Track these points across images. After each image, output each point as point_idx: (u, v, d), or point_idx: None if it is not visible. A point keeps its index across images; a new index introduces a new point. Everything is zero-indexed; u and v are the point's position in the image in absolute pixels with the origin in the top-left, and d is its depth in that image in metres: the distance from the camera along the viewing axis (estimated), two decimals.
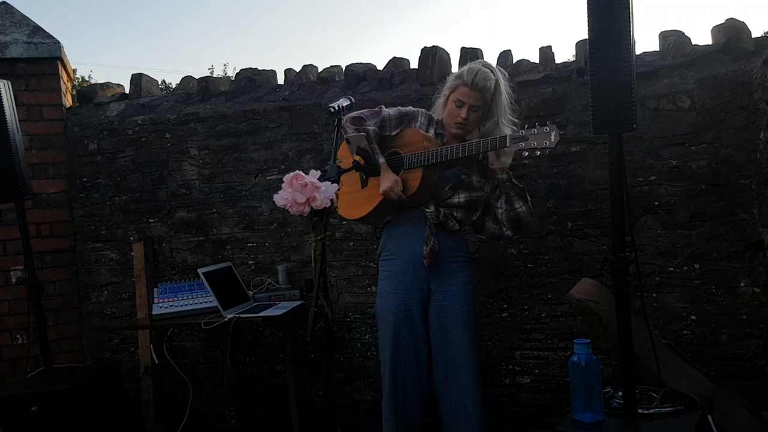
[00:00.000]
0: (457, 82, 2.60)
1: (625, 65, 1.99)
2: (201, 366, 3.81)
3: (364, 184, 2.69)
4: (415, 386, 2.65)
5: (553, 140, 2.30)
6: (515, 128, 2.55)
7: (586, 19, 2.03)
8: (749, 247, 3.05)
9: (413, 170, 2.58)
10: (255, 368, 3.77)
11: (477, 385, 2.62)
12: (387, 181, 2.58)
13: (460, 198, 2.66)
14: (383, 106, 2.77)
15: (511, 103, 2.69)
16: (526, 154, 2.40)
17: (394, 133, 2.71)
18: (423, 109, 2.80)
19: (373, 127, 2.65)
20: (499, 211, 2.69)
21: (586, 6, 2.03)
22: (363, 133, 2.55)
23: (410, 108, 2.80)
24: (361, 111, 2.71)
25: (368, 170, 2.52)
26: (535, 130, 2.33)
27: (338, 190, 2.42)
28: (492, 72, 2.60)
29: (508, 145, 2.39)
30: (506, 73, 2.73)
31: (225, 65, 29.42)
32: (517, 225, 2.71)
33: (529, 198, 2.72)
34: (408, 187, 2.58)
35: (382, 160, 2.62)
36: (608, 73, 2.01)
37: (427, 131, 2.69)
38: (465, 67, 2.62)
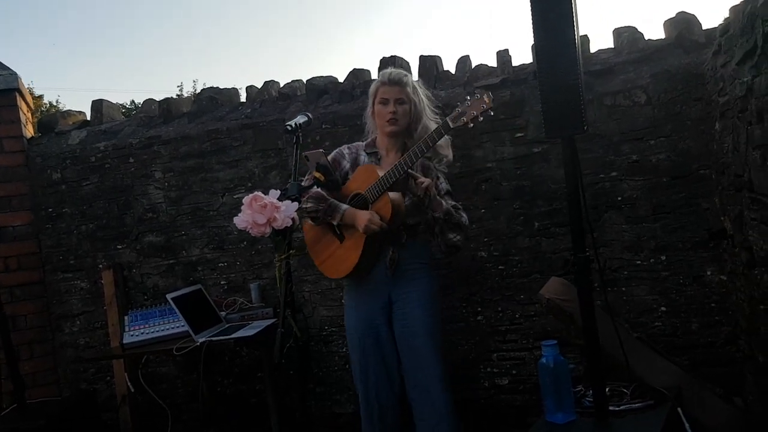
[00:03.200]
0: (376, 86, 2.73)
1: (571, 69, 2.01)
2: (179, 391, 3.78)
3: (341, 238, 2.69)
4: (388, 394, 2.68)
5: (488, 101, 2.42)
6: (440, 121, 2.66)
7: (531, 27, 2.05)
8: (713, 235, 3.10)
9: (379, 199, 2.57)
10: (234, 389, 3.75)
11: (446, 389, 2.62)
12: (362, 219, 2.55)
13: (406, 202, 2.63)
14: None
15: (430, 101, 2.79)
16: (472, 125, 2.49)
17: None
18: (341, 147, 2.87)
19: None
20: (437, 239, 2.70)
21: (530, 16, 2.04)
22: (321, 150, 2.56)
23: (333, 154, 2.82)
24: (307, 205, 2.66)
25: (329, 186, 2.52)
26: (469, 102, 2.45)
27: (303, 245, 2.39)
28: (405, 71, 2.76)
29: (451, 126, 2.47)
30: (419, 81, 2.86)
31: (194, 81, 29.08)
32: (452, 252, 2.74)
33: (464, 224, 2.73)
34: (383, 216, 2.55)
35: (345, 206, 2.64)
36: (556, 78, 2.04)
37: (357, 156, 2.78)
38: (379, 74, 2.78)
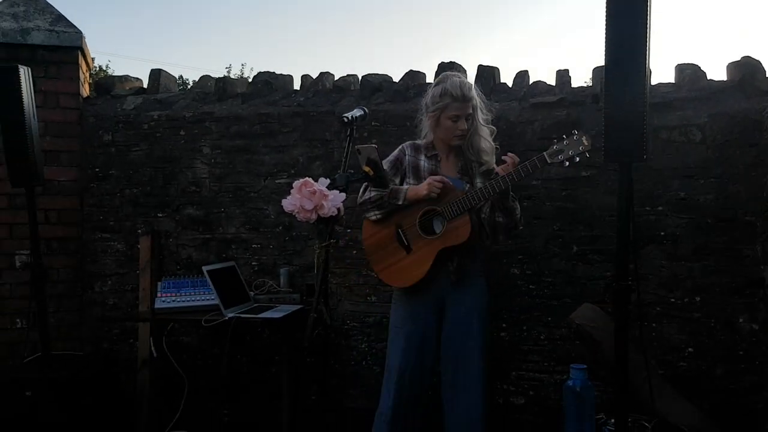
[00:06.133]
0: (447, 101, 2.68)
1: (639, 97, 2.01)
2: (198, 362, 3.82)
3: (408, 249, 2.74)
4: (419, 396, 2.71)
5: (586, 143, 2.40)
6: (489, 125, 2.76)
7: (604, 48, 2.05)
8: (750, 283, 3.07)
9: (458, 218, 2.62)
10: (250, 368, 3.78)
11: (484, 397, 2.67)
12: (422, 188, 2.63)
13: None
14: None
15: (484, 104, 2.79)
16: (567, 164, 2.48)
17: (396, 181, 2.79)
18: (404, 144, 2.89)
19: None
20: (482, 215, 2.74)
21: (604, 35, 2.05)
22: (374, 145, 2.58)
23: (394, 152, 2.88)
24: (369, 195, 2.75)
25: (377, 181, 2.53)
26: (566, 141, 2.44)
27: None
28: (467, 80, 2.74)
29: (548, 162, 2.48)
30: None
31: (243, 65, 29.56)
32: (495, 232, 2.74)
33: (516, 215, 2.72)
34: (460, 234, 2.61)
35: (406, 187, 2.72)
36: (622, 103, 2.03)
37: (417, 160, 2.79)
38: (446, 85, 2.69)
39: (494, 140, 2.80)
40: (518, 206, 2.71)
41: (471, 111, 2.69)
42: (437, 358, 2.74)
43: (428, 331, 2.72)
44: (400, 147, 2.89)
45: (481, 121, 2.75)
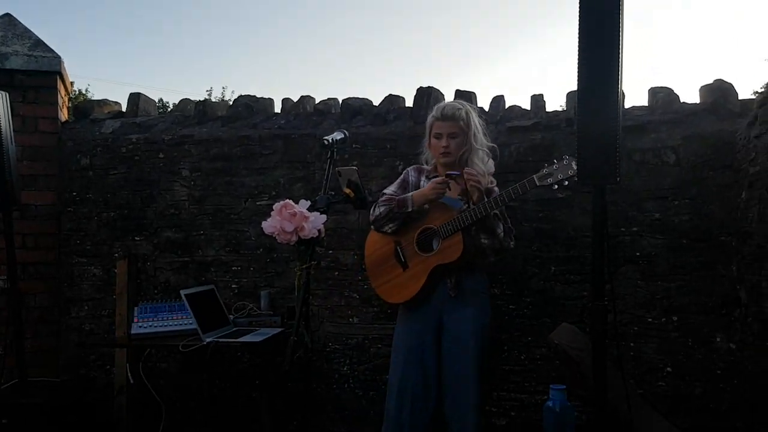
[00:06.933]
0: (432, 120, 2.84)
1: (611, 120, 2.05)
2: (176, 388, 3.78)
3: (404, 266, 2.80)
4: (422, 410, 2.71)
5: (575, 168, 2.42)
6: (491, 151, 2.86)
7: (577, 72, 2.09)
8: (726, 303, 3.11)
9: (451, 237, 2.68)
10: (230, 393, 3.74)
11: (480, 415, 2.70)
12: (428, 191, 2.70)
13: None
14: (386, 193, 2.90)
15: (484, 130, 2.89)
16: (556, 187, 2.55)
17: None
18: (409, 168, 3.03)
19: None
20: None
21: (577, 60, 2.09)
22: (355, 167, 2.60)
23: (402, 175, 3.01)
24: (379, 211, 2.81)
25: (357, 203, 2.55)
26: (556, 165, 2.51)
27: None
28: (460, 104, 2.85)
29: (537, 184, 2.54)
30: (475, 107, 2.95)
31: (224, 88, 29.54)
32: (481, 254, 2.78)
33: (498, 234, 2.73)
34: (453, 253, 2.66)
35: (410, 193, 2.79)
36: (595, 125, 2.07)
37: (418, 180, 2.90)
38: (435, 107, 2.88)
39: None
40: (501, 226, 2.73)
41: (456, 131, 2.77)
42: (439, 374, 2.75)
43: (427, 348, 2.75)
44: (405, 171, 3.01)
45: (477, 144, 2.82)
